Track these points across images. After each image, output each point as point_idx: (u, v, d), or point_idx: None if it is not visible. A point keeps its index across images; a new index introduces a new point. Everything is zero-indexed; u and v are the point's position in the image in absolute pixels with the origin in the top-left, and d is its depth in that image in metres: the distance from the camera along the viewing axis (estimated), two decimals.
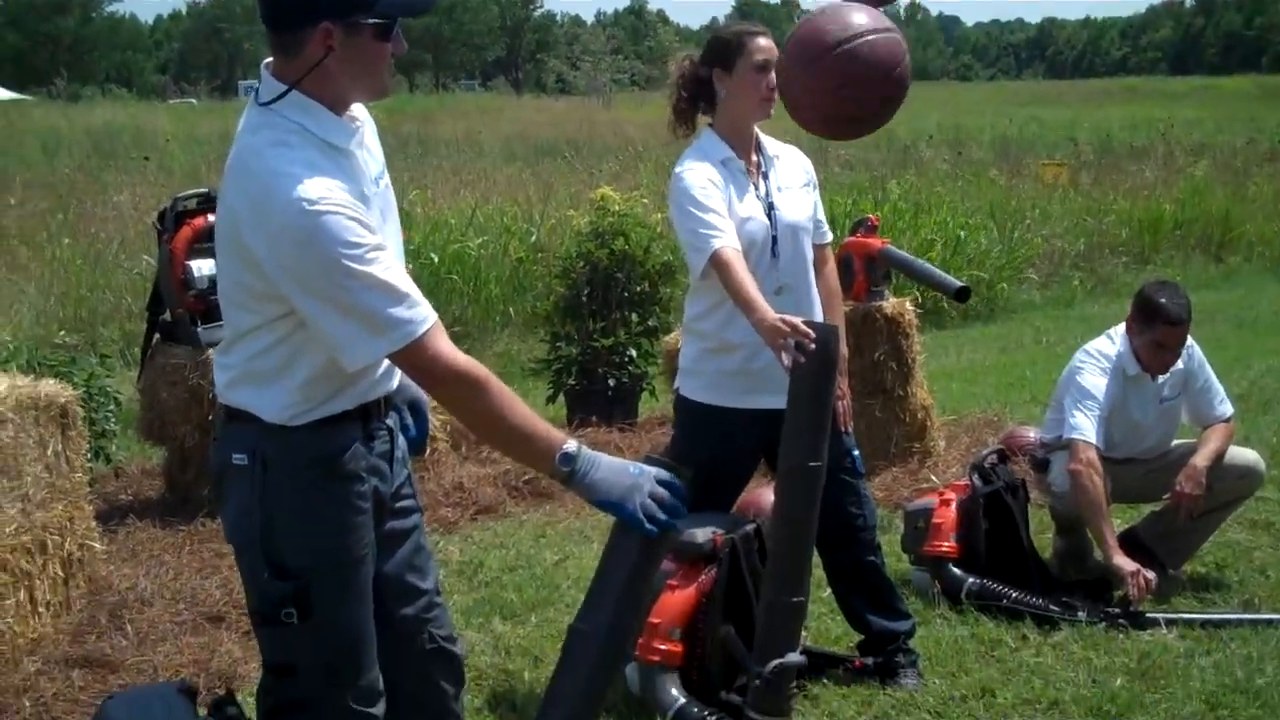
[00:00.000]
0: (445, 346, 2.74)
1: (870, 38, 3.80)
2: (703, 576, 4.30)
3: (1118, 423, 5.37)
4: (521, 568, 5.76)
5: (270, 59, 2.80)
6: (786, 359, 3.70)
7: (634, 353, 8.18)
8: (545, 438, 2.78)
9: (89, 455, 5.59)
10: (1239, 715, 4.10)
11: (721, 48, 4.30)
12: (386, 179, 3.01)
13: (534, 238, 12.03)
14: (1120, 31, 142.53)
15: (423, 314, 2.71)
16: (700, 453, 4.30)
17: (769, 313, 3.81)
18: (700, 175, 4.19)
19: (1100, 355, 5.39)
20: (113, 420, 7.05)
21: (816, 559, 4.24)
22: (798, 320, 3.72)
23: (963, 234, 13.31)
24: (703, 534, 4.31)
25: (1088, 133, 28.51)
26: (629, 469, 2.80)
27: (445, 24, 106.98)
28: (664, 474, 2.80)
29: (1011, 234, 14.22)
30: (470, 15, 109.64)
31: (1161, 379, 5.37)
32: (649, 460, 2.86)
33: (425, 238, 11.44)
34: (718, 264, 4.01)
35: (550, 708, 2.86)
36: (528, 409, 2.82)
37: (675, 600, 4.29)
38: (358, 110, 2.92)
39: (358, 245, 2.65)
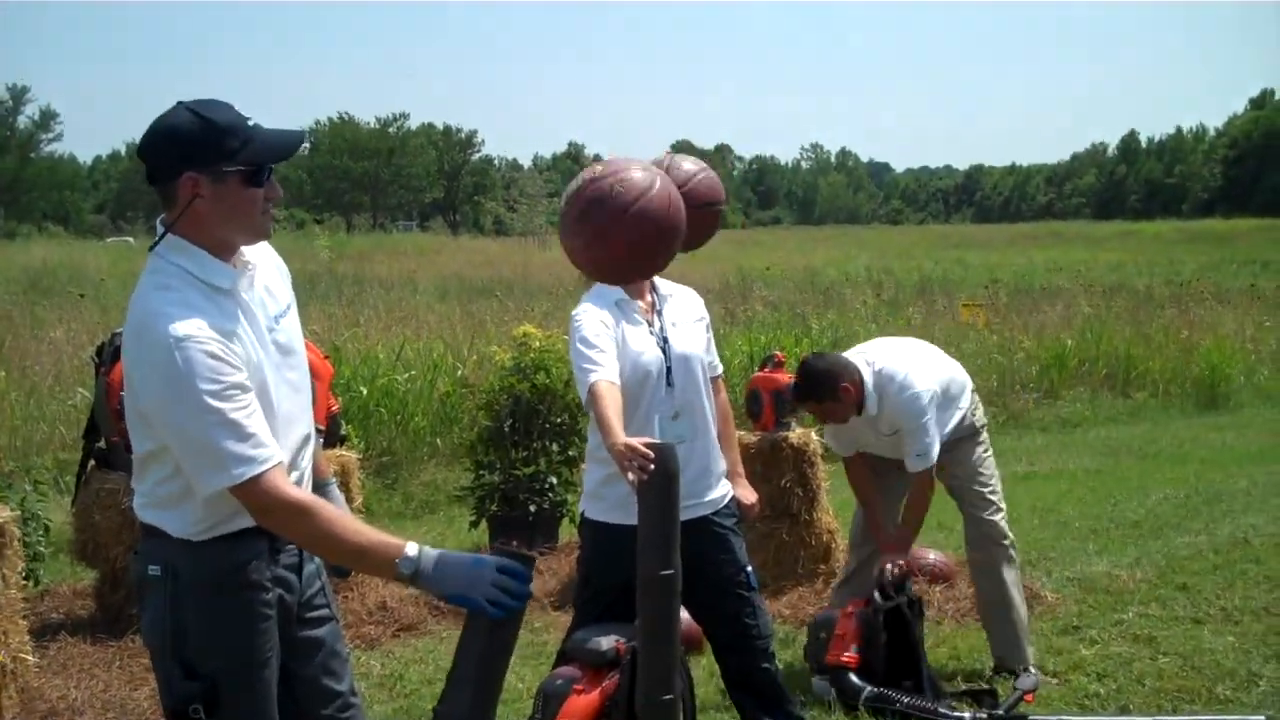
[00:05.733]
0: (283, 485, 2.97)
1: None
2: (606, 681, 4.59)
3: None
4: (439, 680, 5.94)
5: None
6: (632, 476, 4.03)
7: (555, 480, 8.47)
8: (382, 548, 2.97)
9: (22, 575, 5.81)
10: None
11: None
12: (291, 315, 3.29)
13: (460, 372, 12.34)
14: (1046, 178, 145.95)
15: (265, 454, 2.95)
16: (606, 567, 4.68)
17: (619, 436, 4.10)
18: (592, 317, 4.56)
19: None
20: (43, 544, 7.26)
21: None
22: (638, 443, 4.03)
23: None
24: (606, 642, 4.61)
25: (1011, 274, 29.34)
26: (469, 562, 2.95)
27: (384, 167, 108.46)
28: (505, 562, 2.95)
29: None
30: (409, 159, 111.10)
31: (871, 417, 5.74)
32: (496, 550, 3.02)
33: (354, 371, 11.74)
34: (591, 395, 4.36)
35: None
36: (362, 526, 3.03)
37: (580, 705, 4.55)
38: (253, 254, 3.21)
39: (216, 382, 2.91)
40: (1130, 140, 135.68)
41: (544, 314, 17.00)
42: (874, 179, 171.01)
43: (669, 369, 4.62)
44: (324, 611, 3.41)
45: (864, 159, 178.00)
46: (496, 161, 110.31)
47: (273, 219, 3.19)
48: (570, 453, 8.59)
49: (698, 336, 4.77)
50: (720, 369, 4.97)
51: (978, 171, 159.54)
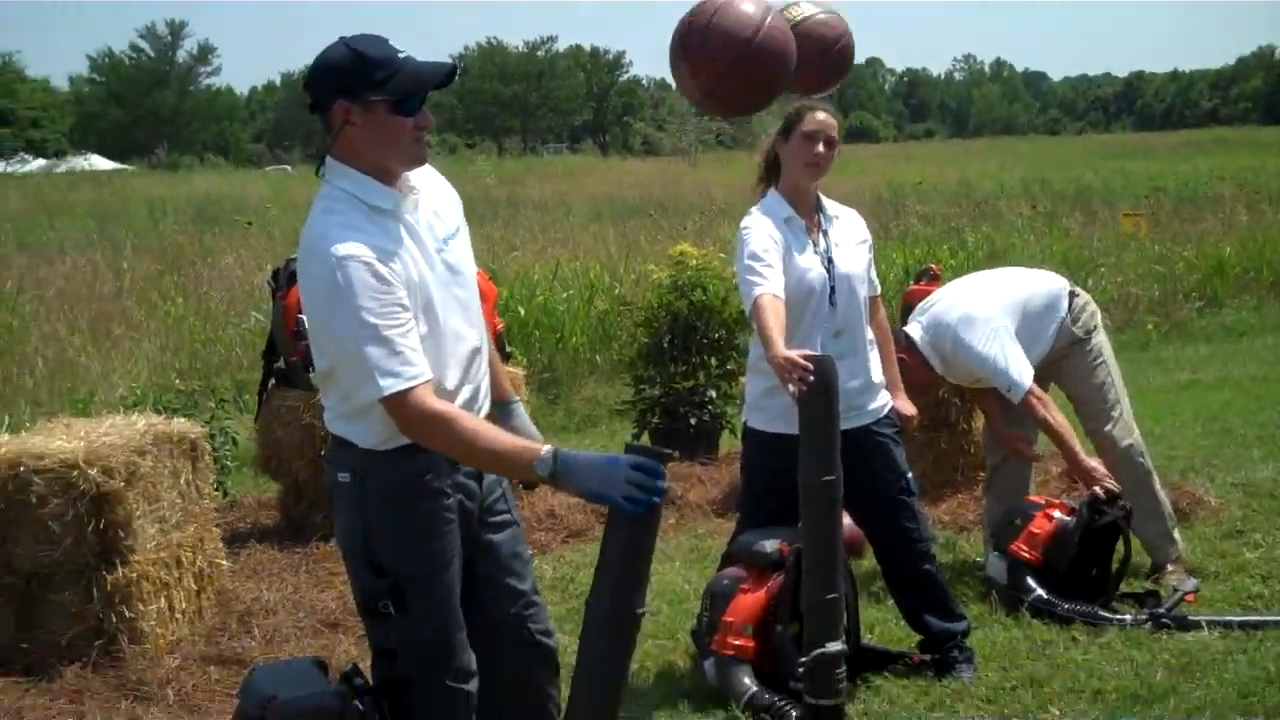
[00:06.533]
0: (428, 400, 3.15)
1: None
2: (771, 581, 4.77)
3: None
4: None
5: None
6: (792, 387, 4.15)
7: (713, 393, 8.66)
8: (519, 452, 3.14)
9: (214, 487, 6.15)
10: (1266, 701, 4.43)
11: (786, 120, 4.84)
12: (460, 238, 3.48)
13: (617, 291, 12.54)
14: (1210, 83, 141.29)
15: (413, 372, 3.14)
16: (768, 475, 4.87)
17: (780, 349, 4.27)
18: (760, 231, 4.70)
19: None
20: (230, 459, 7.64)
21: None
22: (798, 355, 4.17)
23: None
24: (770, 544, 4.81)
25: (1174, 182, 28.58)
26: (604, 462, 3.04)
27: (533, 91, 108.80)
28: (639, 459, 3.02)
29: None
30: (557, 82, 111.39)
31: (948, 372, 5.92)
32: (630, 449, 3.11)
33: (512, 292, 12.02)
34: (755, 308, 4.51)
35: (575, 675, 3.18)
36: (501, 433, 3.23)
37: (747, 602, 4.77)
38: (422, 180, 3.41)
39: (373, 299, 3.12)
40: None
41: (696, 232, 17.11)
42: (1030, 89, 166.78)
43: (832, 288, 4.75)
44: (506, 516, 3.61)
45: (1019, 69, 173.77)
46: (645, 81, 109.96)
47: (427, 145, 3.37)
48: (728, 366, 8.76)
49: (860, 258, 4.89)
50: (879, 288, 5.09)
51: (1138, 78, 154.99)
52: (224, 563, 5.99)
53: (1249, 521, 6.74)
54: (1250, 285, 15.96)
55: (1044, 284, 6.05)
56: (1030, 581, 5.50)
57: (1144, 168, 41.37)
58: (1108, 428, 5.94)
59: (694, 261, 8.81)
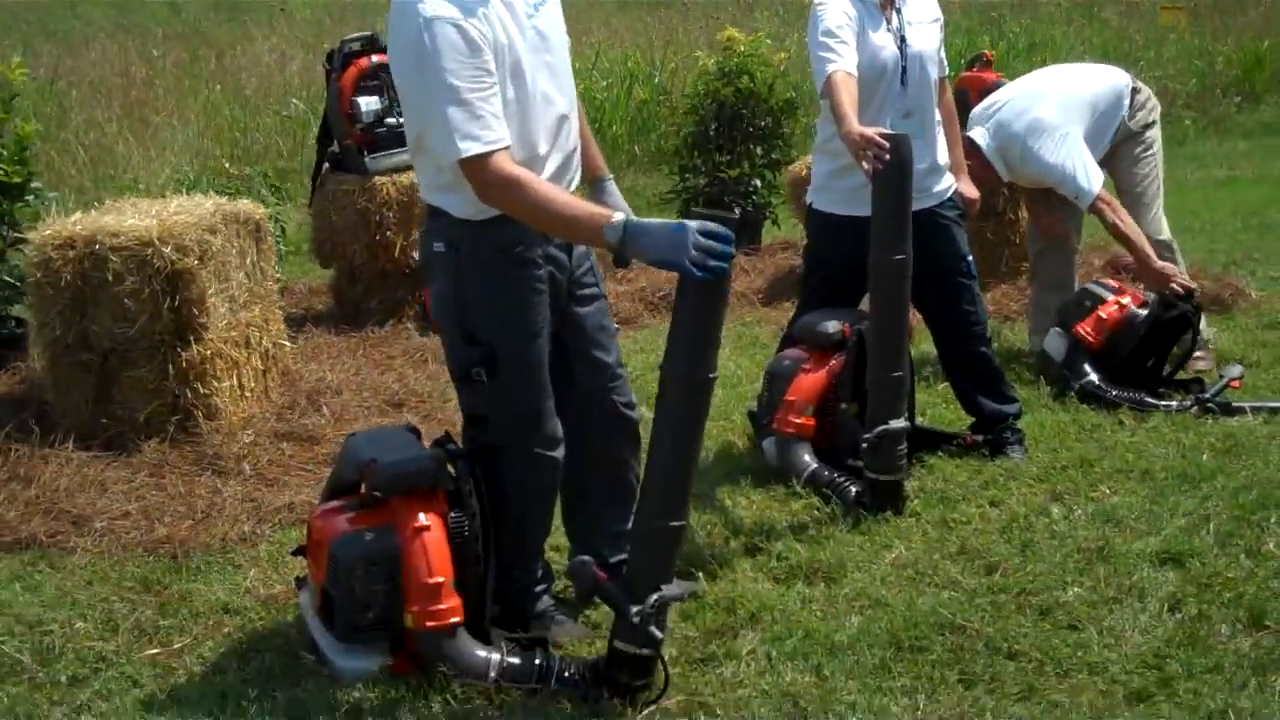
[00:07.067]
0: (504, 165, 3.20)
1: None
2: (832, 361, 4.88)
3: None
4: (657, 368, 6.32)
5: None
6: (867, 165, 4.18)
7: (759, 183, 8.66)
8: (591, 216, 3.19)
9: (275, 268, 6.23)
10: None
11: None
12: (551, 4, 3.49)
13: (656, 80, 12.45)
14: None
15: (491, 136, 3.19)
16: (832, 257, 4.95)
17: (855, 126, 4.27)
18: (835, 7, 4.65)
19: None
20: (282, 243, 7.71)
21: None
22: (874, 133, 4.19)
23: None
24: (833, 325, 4.90)
25: None
26: (672, 228, 3.05)
27: None
28: (707, 225, 3.03)
29: None
30: None
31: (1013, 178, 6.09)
32: (692, 215, 3.13)
33: None
34: (828, 84, 4.48)
35: (653, 438, 3.26)
36: (574, 199, 3.29)
37: (808, 381, 4.89)
38: None
39: (458, 61, 3.16)
40: None
41: (730, 20, 16.80)
42: None
43: (904, 68, 4.73)
44: (593, 290, 3.71)
45: None
46: None
47: None
48: (774, 155, 8.75)
49: (933, 36, 4.87)
50: (948, 69, 5.06)
51: None
52: (287, 344, 6.11)
53: None
54: None
55: (1108, 81, 6.04)
56: (1085, 366, 5.61)
57: None
58: (1147, 218, 5.99)
59: (741, 48, 8.72)
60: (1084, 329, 5.66)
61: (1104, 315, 5.67)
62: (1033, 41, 14.74)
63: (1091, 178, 5.64)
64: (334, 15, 18.73)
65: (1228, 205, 9.87)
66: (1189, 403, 5.40)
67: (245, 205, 5.83)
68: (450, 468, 3.49)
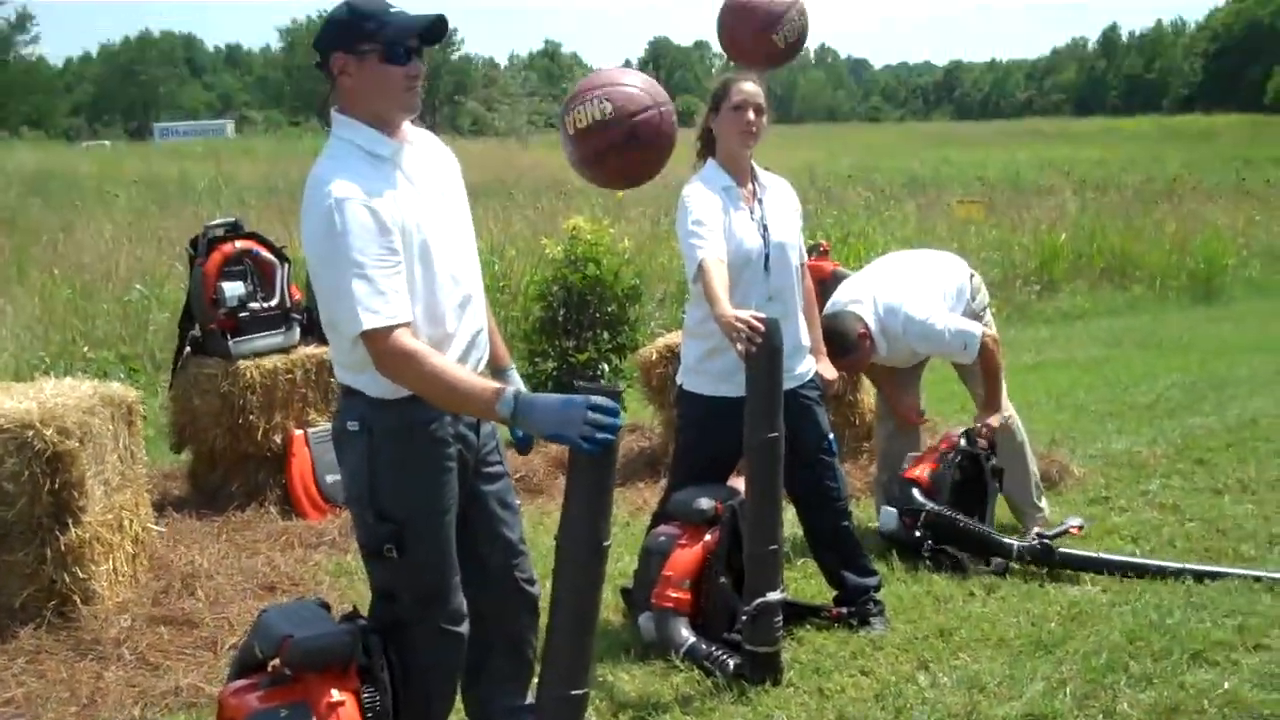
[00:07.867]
0: (404, 341, 3.35)
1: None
2: (707, 537, 5.11)
3: None
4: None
5: None
6: (740, 346, 4.46)
7: (605, 367, 8.96)
8: (484, 390, 3.33)
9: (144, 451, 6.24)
10: (1153, 645, 4.89)
11: (714, 95, 5.16)
12: (457, 190, 3.72)
13: (495, 267, 12.73)
14: (1025, 74, 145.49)
15: (392, 311, 3.35)
16: (705, 436, 5.18)
17: (728, 309, 4.56)
18: (700, 197, 5.00)
19: None
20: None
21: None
22: (747, 314, 4.49)
23: None
24: (705, 502, 5.13)
25: (996, 172, 29.62)
26: (561, 403, 3.19)
27: None
28: (594, 399, 3.16)
29: None
30: None
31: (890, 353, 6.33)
32: (579, 389, 3.24)
33: None
34: (700, 270, 4.78)
35: (552, 608, 3.39)
36: (465, 372, 3.44)
37: (684, 557, 5.09)
38: (419, 138, 3.66)
39: (366, 239, 3.34)
40: (1111, 34, 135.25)
41: (551, 213, 17.24)
42: (853, 76, 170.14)
43: (768, 255, 5.06)
44: (498, 467, 3.87)
45: (843, 56, 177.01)
46: (474, 60, 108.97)
47: (419, 96, 3.57)
48: (620, 340, 9.05)
49: (793, 226, 5.23)
50: (806, 256, 5.43)
51: (957, 68, 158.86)
52: (155, 528, 6.11)
53: (1111, 489, 7.34)
54: (1083, 270, 16.83)
55: (954, 264, 6.54)
56: (920, 498, 6.01)
57: (966, 156, 42.60)
58: None
59: (588, 236, 9.06)
60: (910, 473, 6.12)
61: (923, 456, 6.22)
62: (847, 233, 15.46)
63: (969, 325, 6.05)
64: (159, 203, 18.81)
65: (1040, 388, 10.47)
66: (1030, 540, 5.83)
67: (118, 388, 5.87)
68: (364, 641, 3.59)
